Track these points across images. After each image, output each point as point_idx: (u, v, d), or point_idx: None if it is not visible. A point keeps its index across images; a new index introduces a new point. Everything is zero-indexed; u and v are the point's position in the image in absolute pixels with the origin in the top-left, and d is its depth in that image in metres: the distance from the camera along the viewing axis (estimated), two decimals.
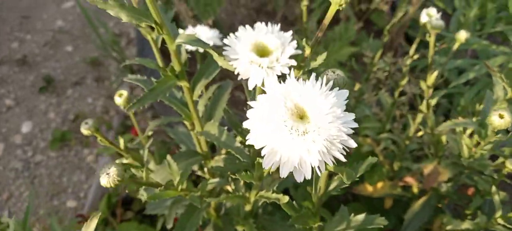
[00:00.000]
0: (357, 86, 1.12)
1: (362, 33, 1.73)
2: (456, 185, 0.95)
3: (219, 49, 0.70)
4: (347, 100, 0.43)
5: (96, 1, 0.47)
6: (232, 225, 0.82)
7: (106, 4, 0.47)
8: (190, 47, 0.82)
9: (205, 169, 0.80)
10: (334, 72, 0.47)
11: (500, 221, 0.72)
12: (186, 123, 0.73)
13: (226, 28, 1.70)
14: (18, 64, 2.06)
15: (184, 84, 0.59)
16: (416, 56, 0.88)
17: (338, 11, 0.50)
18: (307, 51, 0.54)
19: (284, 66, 0.53)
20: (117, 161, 0.81)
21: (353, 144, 0.43)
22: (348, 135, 0.43)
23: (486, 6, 1.28)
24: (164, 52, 0.56)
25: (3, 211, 1.61)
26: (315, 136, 0.41)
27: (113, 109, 1.88)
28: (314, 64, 0.56)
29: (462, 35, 0.82)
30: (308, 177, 0.41)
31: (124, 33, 2.22)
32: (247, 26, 0.56)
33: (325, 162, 0.42)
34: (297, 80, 0.46)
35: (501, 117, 0.56)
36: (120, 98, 0.78)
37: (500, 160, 0.80)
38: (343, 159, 0.42)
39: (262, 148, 0.44)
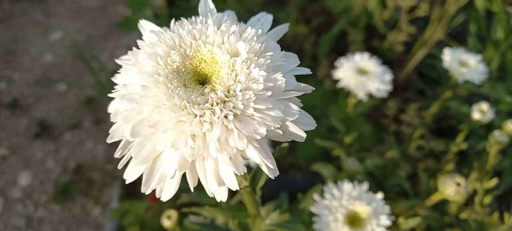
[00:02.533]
0: (389, 154, 1.10)
1: None
2: None
3: None
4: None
5: (192, 210, 0.42)
6: None
7: (203, 208, 0.43)
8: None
9: None
10: None
11: None
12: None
13: None
14: (9, 107, 1.94)
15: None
16: (463, 146, 0.87)
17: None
18: (402, 222, 0.51)
19: None
20: None
21: None
22: None
23: (506, 55, 1.27)
24: None
25: None
26: None
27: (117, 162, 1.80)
28: (405, 226, 0.53)
29: (510, 126, 0.81)
30: None
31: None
32: (334, 189, 0.52)
33: None
34: None
35: None
36: (169, 221, 0.73)
37: None
38: None
39: None
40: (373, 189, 1.12)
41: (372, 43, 1.70)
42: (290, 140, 0.25)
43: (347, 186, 0.54)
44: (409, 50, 1.65)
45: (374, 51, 1.76)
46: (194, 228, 0.61)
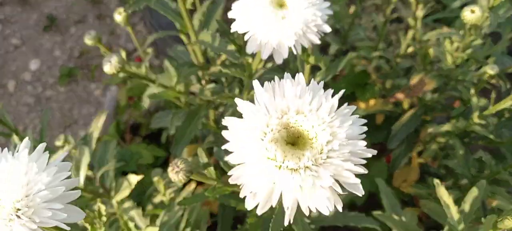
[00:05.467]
0: (352, 9, 1.15)
1: None
2: (442, 97, 0.99)
3: None
4: None
5: None
6: None
7: None
8: None
9: (203, 82, 0.85)
10: None
11: (476, 120, 0.77)
12: (183, 36, 0.77)
13: None
14: (20, 4, 2.08)
15: None
16: None
17: None
18: None
19: None
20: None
21: (327, 29, 0.47)
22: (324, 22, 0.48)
23: None
24: None
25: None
26: (292, 20, 0.45)
27: (115, 45, 1.92)
28: None
29: None
30: (285, 56, 0.47)
31: None
32: None
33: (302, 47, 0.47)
34: None
35: (472, 11, 0.60)
36: (119, 16, 0.82)
37: (482, 69, 0.84)
38: (317, 42, 0.47)
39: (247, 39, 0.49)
40: (338, 41, 1.17)
41: None
42: None
43: None
44: None
45: None
46: None
